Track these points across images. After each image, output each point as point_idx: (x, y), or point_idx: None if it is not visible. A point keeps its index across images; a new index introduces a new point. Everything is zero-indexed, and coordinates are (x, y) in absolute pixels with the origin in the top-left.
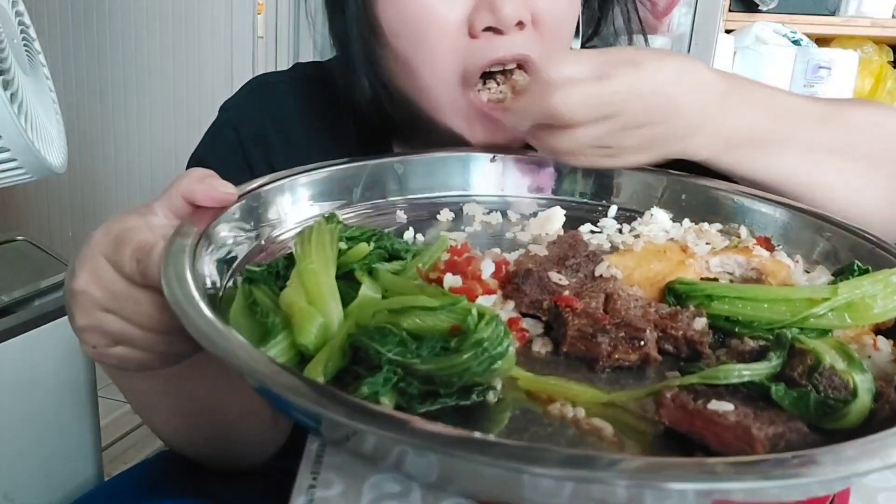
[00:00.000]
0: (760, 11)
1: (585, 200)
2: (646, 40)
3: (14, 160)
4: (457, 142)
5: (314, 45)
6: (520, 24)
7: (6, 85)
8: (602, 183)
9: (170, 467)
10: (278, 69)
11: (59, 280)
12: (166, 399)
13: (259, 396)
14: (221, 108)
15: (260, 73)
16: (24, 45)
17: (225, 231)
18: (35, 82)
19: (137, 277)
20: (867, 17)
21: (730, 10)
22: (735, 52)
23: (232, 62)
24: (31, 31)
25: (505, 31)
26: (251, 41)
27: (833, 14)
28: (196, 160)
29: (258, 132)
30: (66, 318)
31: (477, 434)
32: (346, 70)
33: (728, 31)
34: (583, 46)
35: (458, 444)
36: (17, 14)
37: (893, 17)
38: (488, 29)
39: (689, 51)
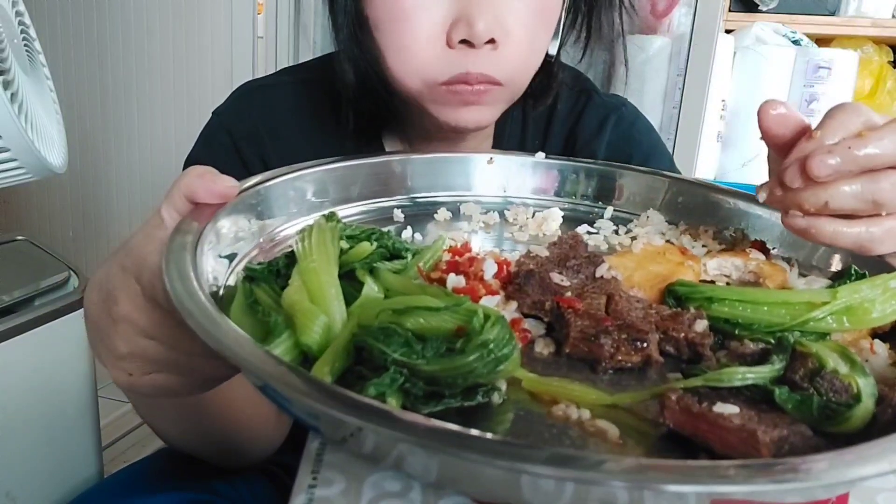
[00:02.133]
0: (760, 11)
1: (580, 202)
2: (624, 47)
3: (14, 160)
4: (436, 130)
5: (314, 45)
6: (492, 42)
7: (6, 85)
8: (603, 185)
9: (170, 464)
10: (277, 69)
11: (59, 280)
12: (181, 409)
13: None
14: (213, 114)
15: (260, 72)
16: (24, 45)
17: (225, 228)
18: (35, 82)
19: (160, 300)
20: (867, 17)
21: (730, 10)
22: (735, 52)
23: (232, 62)
24: (31, 31)
25: (477, 46)
26: (251, 41)
27: (833, 14)
28: (192, 164)
29: (250, 132)
30: (66, 318)
31: (464, 429)
32: (338, 56)
33: (728, 31)
34: (560, 49)
35: (449, 441)
36: (17, 14)
37: (893, 17)
38: (464, 42)
39: (689, 51)
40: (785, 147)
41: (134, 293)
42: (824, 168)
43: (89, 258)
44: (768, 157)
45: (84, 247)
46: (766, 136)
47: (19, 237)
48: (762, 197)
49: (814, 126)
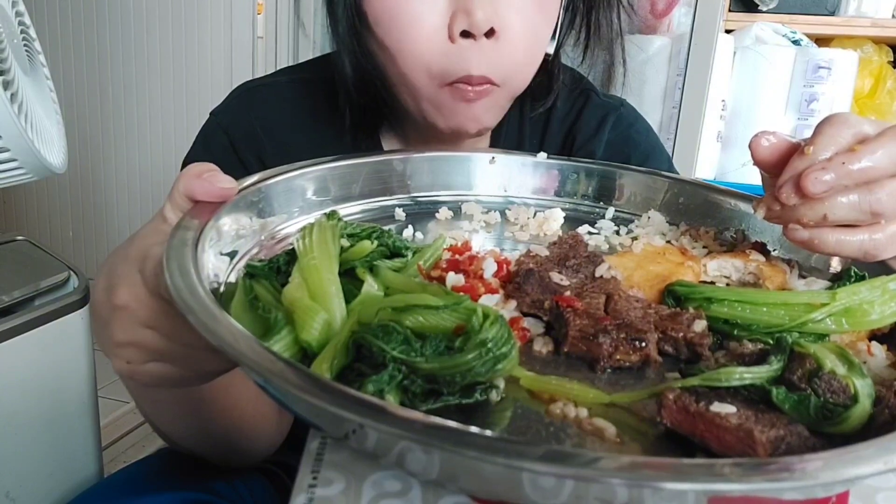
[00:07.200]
0: (760, 11)
1: (581, 202)
2: (622, 48)
3: (14, 160)
4: (434, 130)
5: (314, 45)
6: (492, 33)
7: (6, 85)
8: (604, 185)
9: (170, 464)
10: (277, 69)
11: (58, 280)
12: (184, 404)
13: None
14: (210, 114)
15: (260, 72)
16: (24, 45)
17: (227, 225)
18: (35, 82)
19: (163, 293)
20: (867, 17)
21: (730, 10)
22: (735, 52)
23: (232, 62)
24: (31, 31)
25: (478, 37)
26: (251, 41)
27: (833, 14)
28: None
29: (248, 132)
30: (66, 318)
31: (461, 426)
32: (337, 54)
33: (728, 31)
34: (557, 49)
35: (447, 438)
36: (17, 14)
37: (893, 16)
38: (465, 35)
39: (688, 51)
40: (780, 169)
41: (135, 283)
42: (819, 185)
43: (89, 258)
44: (762, 175)
45: (84, 247)
46: (761, 166)
47: (19, 237)
48: (760, 214)
49: (809, 132)
